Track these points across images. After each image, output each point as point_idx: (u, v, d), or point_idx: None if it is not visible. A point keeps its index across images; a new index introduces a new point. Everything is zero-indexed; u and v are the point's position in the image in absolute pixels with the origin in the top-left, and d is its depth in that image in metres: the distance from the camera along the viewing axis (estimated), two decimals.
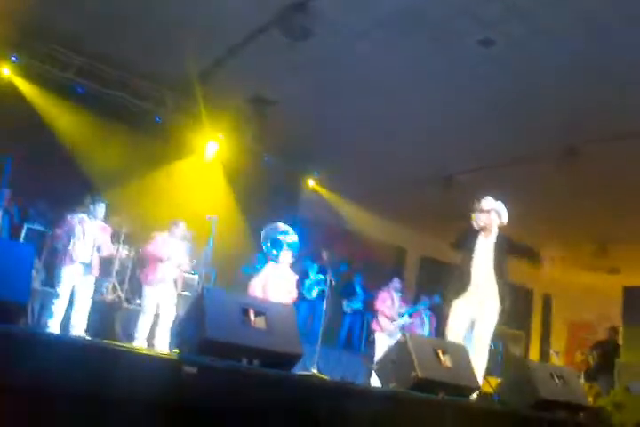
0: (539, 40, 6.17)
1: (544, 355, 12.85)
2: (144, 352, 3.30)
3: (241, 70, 7.48)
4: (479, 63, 6.67)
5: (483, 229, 4.96)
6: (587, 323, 14.76)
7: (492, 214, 4.97)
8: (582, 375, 12.64)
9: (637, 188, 8.72)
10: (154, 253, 6.25)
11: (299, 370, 5.70)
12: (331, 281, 6.65)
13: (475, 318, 4.79)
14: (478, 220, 4.96)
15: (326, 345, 7.28)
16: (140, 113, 8.41)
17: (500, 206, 5.00)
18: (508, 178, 9.00)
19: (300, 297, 8.23)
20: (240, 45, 6.91)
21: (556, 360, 10.91)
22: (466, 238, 5.03)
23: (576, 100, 7.00)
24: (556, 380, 4.21)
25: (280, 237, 7.77)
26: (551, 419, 3.85)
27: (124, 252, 7.33)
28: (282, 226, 7.92)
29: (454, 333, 4.71)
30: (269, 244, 7.64)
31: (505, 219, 5.00)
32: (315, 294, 8.00)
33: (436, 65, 6.83)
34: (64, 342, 2.55)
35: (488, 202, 5.03)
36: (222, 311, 3.17)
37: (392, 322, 7.93)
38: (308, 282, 8.19)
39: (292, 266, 6.99)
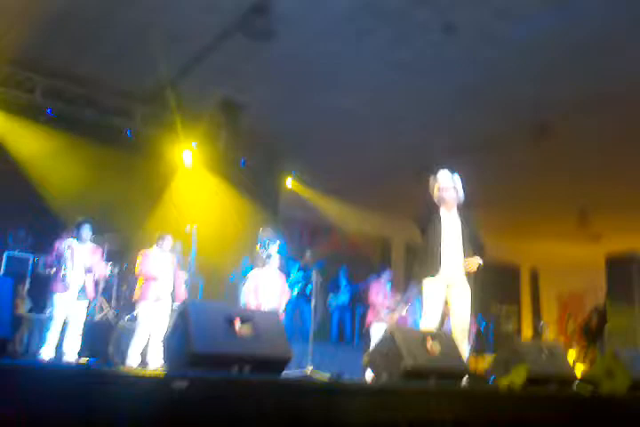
0: (500, 21, 6.24)
1: (537, 329, 13.05)
2: (131, 372, 3.33)
3: (208, 77, 7.53)
4: (443, 49, 6.75)
5: (443, 202, 4.82)
6: (575, 293, 14.99)
7: (448, 186, 4.83)
8: (576, 344, 12.89)
9: (614, 154, 8.88)
10: (147, 272, 6.22)
11: (294, 370, 5.79)
12: (315, 279, 6.71)
13: (448, 298, 4.71)
14: (441, 193, 4.81)
15: (319, 342, 7.34)
16: (110, 129, 8.38)
17: (457, 178, 4.87)
18: (485, 159, 9.11)
19: (290, 298, 8.30)
20: (204, 52, 6.95)
21: (547, 332, 11.11)
22: (429, 217, 4.84)
23: (544, 76, 7.10)
24: (545, 355, 4.30)
25: (270, 243, 7.82)
26: (543, 395, 3.93)
27: (107, 269, 7.32)
28: (273, 232, 7.97)
29: (430, 316, 4.64)
30: (261, 247, 7.69)
31: (462, 192, 4.87)
32: (296, 292, 8.06)
33: (401, 55, 6.91)
34: (48, 371, 2.57)
35: (445, 174, 4.89)
36: (207, 323, 3.20)
37: (389, 313, 8.01)
38: (289, 280, 8.24)
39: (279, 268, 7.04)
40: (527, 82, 7.29)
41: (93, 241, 6.21)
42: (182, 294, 6.43)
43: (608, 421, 3.73)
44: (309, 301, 7.51)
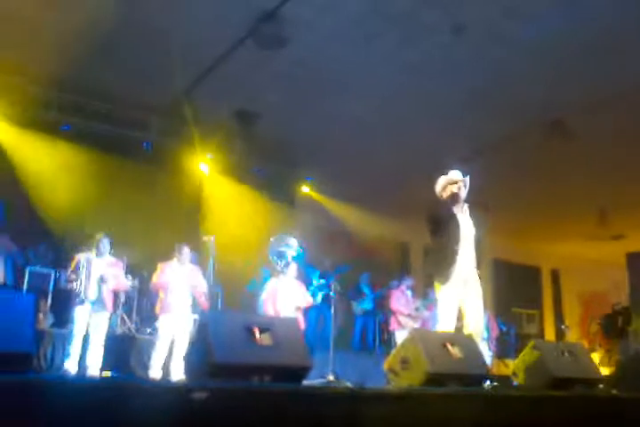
0: (509, 21, 6.23)
1: (559, 331, 12.91)
2: (152, 384, 3.35)
3: (221, 87, 7.58)
4: (452, 51, 6.74)
5: (455, 199, 4.76)
6: (598, 293, 14.82)
7: (460, 186, 4.77)
8: (600, 345, 12.73)
9: (632, 152, 8.80)
10: (162, 284, 6.27)
11: (315, 378, 5.78)
12: (335, 286, 6.71)
13: (462, 298, 4.65)
14: (453, 189, 4.75)
15: (341, 349, 7.33)
16: (127, 141, 8.49)
17: (466, 178, 4.81)
18: (499, 160, 9.07)
19: (311, 306, 8.30)
20: (217, 62, 7.01)
21: (569, 334, 10.97)
22: (445, 216, 4.74)
23: (555, 76, 7.07)
24: (568, 357, 4.25)
25: (284, 249, 7.81)
26: (567, 396, 3.88)
27: (128, 282, 7.38)
28: (286, 238, 7.96)
29: (446, 319, 4.60)
30: (275, 256, 7.69)
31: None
32: (319, 299, 8.06)
33: (410, 57, 6.92)
34: (71, 385, 2.60)
35: (456, 173, 4.85)
36: (227, 333, 3.22)
37: (411, 318, 7.99)
38: (311, 288, 8.24)
39: (297, 276, 7.05)
40: (538, 82, 7.26)
41: (113, 255, 6.27)
42: (203, 304, 6.45)
43: (630, 422, 3.67)
44: (329, 308, 7.51)
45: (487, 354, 9.00)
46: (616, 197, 10.44)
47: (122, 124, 8.36)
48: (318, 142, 9.09)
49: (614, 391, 4.44)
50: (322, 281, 8.51)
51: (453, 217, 4.74)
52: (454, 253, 4.63)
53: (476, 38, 6.50)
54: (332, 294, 6.94)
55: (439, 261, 4.74)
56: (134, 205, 8.35)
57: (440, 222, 4.75)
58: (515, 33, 6.41)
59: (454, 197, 4.78)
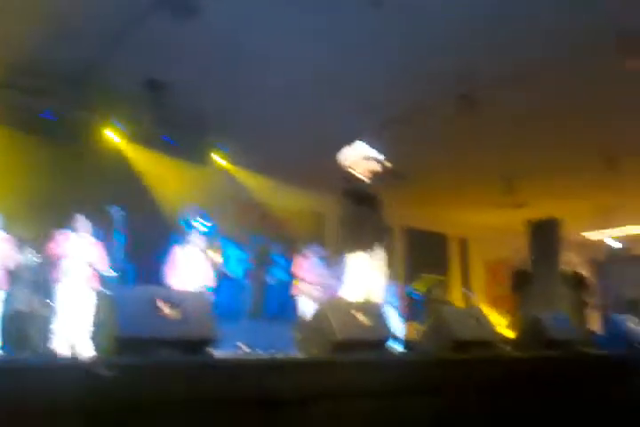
0: None
1: (466, 297, 13.49)
2: (55, 361, 3.26)
3: (132, 54, 7.28)
4: (366, 21, 6.71)
5: (367, 175, 4.91)
6: (502, 259, 15.55)
7: (371, 161, 4.94)
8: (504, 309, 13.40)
9: (536, 124, 9.16)
10: (57, 253, 6.10)
11: (228, 349, 5.80)
12: (249, 256, 6.72)
13: (370, 269, 4.81)
14: (366, 164, 4.91)
15: (256, 319, 7.37)
16: (29, 111, 8.04)
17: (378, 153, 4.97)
18: (410, 131, 9.24)
19: (224, 277, 8.27)
20: (126, 30, 6.72)
21: (475, 300, 11.50)
22: (363, 190, 4.90)
23: (467, 46, 7.20)
24: (470, 321, 4.46)
25: (193, 221, 7.75)
26: (468, 358, 4.08)
27: (32, 256, 7.09)
28: (196, 210, 7.88)
29: (354, 288, 4.74)
30: (185, 227, 7.61)
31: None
32: (233, 270, 8.06)
33: (324, 28, 6.85)
34: None
35: (366, 146, 5.00)
36: (133, 307, 3.17)
37: (317, 287, 8.09)
38: (230, 261, 8.23)
39: (209, 248, 6.99)
40: (450, 54, 7.39)
41: (6, 229, 6.02)
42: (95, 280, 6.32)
43: (529, 380, 3.91)
44: (245, 279, 7.54)
45: (398, 320, 9.32)
46: (519, 166, 10.90)
47: (24, 92, 7.91)
48: (231, 113, 8.94)
49: (514, 352, 4.71)
50: (235, 252, 8.48)
51: (368, 191, 4.89)
52: (376, 230, 4.82)
53: (390, 8, 6.49)
54: (245, 264, 6.95)
55: (358, 234, 4.82)
56: (37, 176, 7.96)
57: (360, 196, 4.87)
58: (437, 5, 6.45)
59: (367, 170, 4.90)
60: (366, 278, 4.80)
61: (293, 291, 8.19)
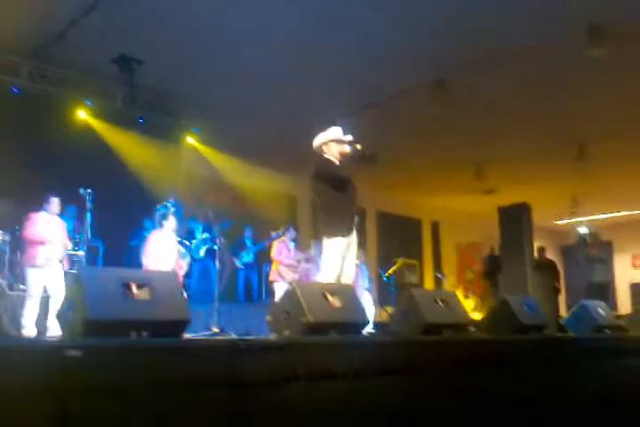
0: None
1: (437, 280, 13.65)
2: (22, 342, 3.21)
3: (101, 29, 7.11)
4: (347, 4, 6.65)
5: (342, 157, 4.91)
6: (473, 244, 15.74)
7: (344, 144, 4.93)
8: (474, 292, 13.60)
9: (507, 111, 9.23)
10: (35, 235, 5.99)
11: (200, 331, 5.79)
12: (219, 239, 6.67)
13: (344, 252, 4.83)
14: (342, 148, 4.89)
15: (227, 302, 7.35)
16: None
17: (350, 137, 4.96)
18: (383, 115, 9.24)
19: (194, 259, 8.22)
20: (95, 4, 6.55)
21: (445, 282, 11.63)
22: (339, 174, 4.87)
23: (445, 33, 7.18)
24: (440, 304, 4.49)
25: (165, 203, 7.69)
26: (438, 340, 4.11)
27: None
28: (168, 191, 7.81)
29: (329, 271, 4.75)
30: (157, 209, 7.55)
31: None
32: (202, 253, 8.01)
33: (302, 9, 6.76)
34: None
35: (340, 130, 4.98)
36: (102, 289, 3.11)
37: (291, 270, 8.10)
38: (194, 242, 8.16)
39: (180, 229, 6.94)
40: (424, 39, 7.37)
41: None
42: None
43: (498, 362, 3.96)
44: (215, 261, 7.48)
45: (371, 303, 9.39)
46: (490, 153, 11.00)
47: None
48: (204, 93, 8.84)
49: (484, 335, 4.76)
50: (206, 235, 8.42)
51: (344, 174, 4.86)
52: (352, 212, 4.80)
53: None
54: (215, 247, 6.90)
55: (336, 218, 4.80)
56: (4, 153, 7.77)
57: (336, 179, 4.83)
58: None
59: (343, 154, 4.89)
60: (341, 262, 4.80)
61: (270, 275, 8.19)
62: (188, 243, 7.81)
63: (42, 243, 6.01)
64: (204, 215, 8.55)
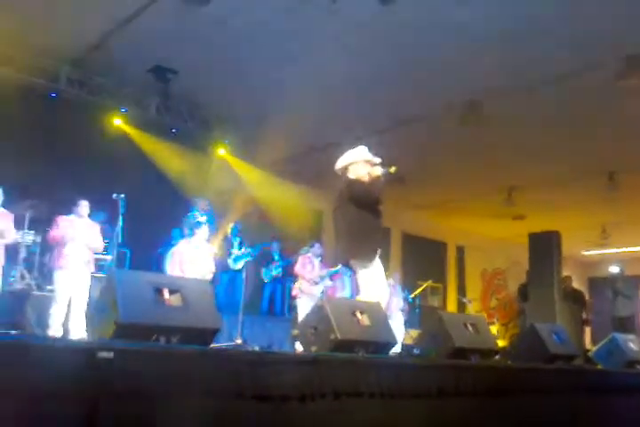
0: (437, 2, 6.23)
1: (461, 304, 13.47)
2: (56, 342, 3.21)
3: (139, 40, 7.22)
4: (378, 23, 6.68)
5: (375, 182, 4.80)
6: (498, 270, 15.56)
7: (373, 165, 4.80)
8: (498, 319, 13.41)
9: (538, 135, 9.16)
10: (58, 238, 6.06)
11: (224, 342, 5.76)
12: (251, 253, 6.67)
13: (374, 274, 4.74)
14: (372, 169, 4.77)
15: (250, 314, 7.33)
16: (33, 89, 7.96)
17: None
18: (413, 136, 9.23)
19: (225, 268, 8.23)
20: (136, 13, 6.66)
21: (470, 308, 11.48)
22: (364, 195, 4.73)
23: (476, 55, 7.18)
24: (469, 328, 4.42)
25: (195, 212, 7.74)
26: (466, 365, 4.05)
27: (29, 237, 7.04)
28: (198, 200, 7.84)
29: (369, 295, 4.62)
30: (188, 219, 7.59)
31: None
32: (240, 266, 8.01)
33: (336, 27, 6.79)
34: None
35: (368, 152, 4.86)
36: (135, 292, 3.11)
37: (314, 286, 8.07)
38: (234, 254, 8.21)
39: (210, 239, 6.95)
40: (458, 64, 7.38)
41: (9, 207, 5.96)
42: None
43: (527, 390, 3.88)
44: (242, 273, 7.50)
45: (402, 324, 9.32)
46: (520, 178, 10.90)
47: (28, 71, 7.83)
48: (235, 105, 8.92)
49: (509, 362, 4.67)
50: (246, 249, 8.43)
51: (376, 197, 4.74)
52: (378, 238, 4.71)
53: (403, 11, 6.45)
54: (247, 260, 6.90)
55: (362, 242, 4.66)
56: (41, 157, 7.88)
57: (373, 203, 4.73)
58: (441, 13, 6.42)
59: (377, 179, 4.75)
60: (373, 282, 4.73)
61: (294, 290, 8.17)
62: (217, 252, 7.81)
63: (63, 244, 6.09)
64: (234, 226, 8.60)
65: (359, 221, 4.68)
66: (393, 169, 4.79)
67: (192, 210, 8.26)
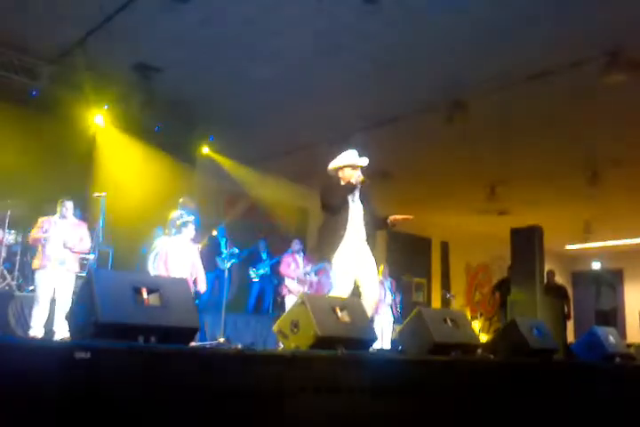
0: None
1: (445, 299, 13.55)
2: (33, 343, 3.21)
3: (122, 37, 7.17)
4: (364, 21, 6.68)
5: (354, 181, 4.97)
6: (482, 265, 15.66)
7: (361, 167, 5.01)
8: (482, 314, 13.51)
9: (521, 132, 9.22)
10: (39, 239, 6.03)
11: (207, 340, 5.77)
12: (237, 252, 6.67)
13: (357, 269, 4.88)
14: (356, 176, 4.96)
15: (236, 313, 7.33)
16: (11, 87, 7.89)
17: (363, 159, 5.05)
18: (397, 132, 9.25)
19: (213, 268, 8.22)
20: (119, 10, 6.61)
21: (454, 303, 11.53)
22: (346, 197, 4.97)
23: (461, 53, 7.20)
24: (449, 323, 4.45)
25: (180, 211, 7.70)
26: (446, 360, 4.08)
27: (10, 237, 6.99)
28: (183, 199, 7.82)
29: (341, 288, 4.79)
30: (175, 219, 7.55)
31: None
32: (228, 265, 8.01)
33: (321, 25, 6.79)
34: None
35: (356, 154, 5.07)
36: (113, 292, 3.11)
37: (301, 284, 8.09)
38: (223, 254, 8.21)
39: (194, 238, 6.92)
40: (441, 59, 7.39)
41: None
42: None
43: (507, 385, 3.92)
44: (227, 272, 7.50)
45: (391, 320, 9.36)
46: (503, 174, 10.97)
47: (7, 68, 7.77)
48: (221, 103, 8.88)
49: (491, 356, 4.71)
50: (234, 250, 8.43)
51: (347, 200, 4.94)
52: (342, 235, 4.84)
53: (388, 11, 6.46)
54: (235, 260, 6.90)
55: (329, 240, 4.89)
56: (19, 155, 7.80)
57: (339, 202, 4.91)
58: (428, 10, 6.43)
59: (356, 177, 4.94)
60: (356, 280, 4.83)
61: (281, 288, 8.20)
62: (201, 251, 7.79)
63: (42, 244, 6.06)
64: (220, 224, 8.59)
65: (325, 221, 5.01)
66: (361, 177, 4.95)
67: (177, 209, 8.23)
